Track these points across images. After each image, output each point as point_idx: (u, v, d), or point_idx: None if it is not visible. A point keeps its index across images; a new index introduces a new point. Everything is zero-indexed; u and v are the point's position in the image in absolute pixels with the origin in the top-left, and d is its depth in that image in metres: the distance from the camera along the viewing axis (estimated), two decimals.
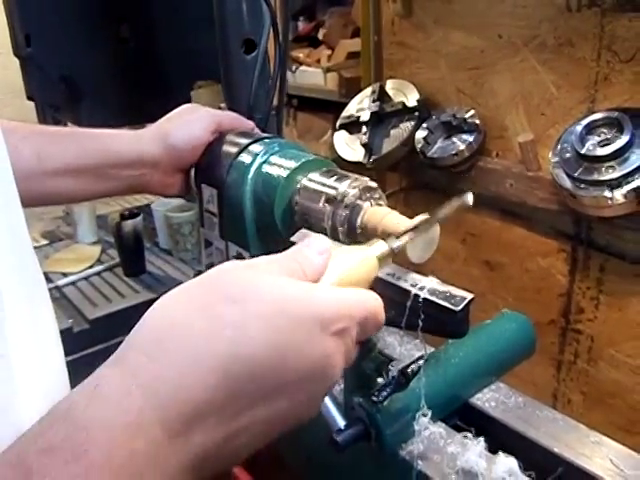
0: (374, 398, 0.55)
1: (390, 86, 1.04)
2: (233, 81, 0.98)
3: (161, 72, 1.31)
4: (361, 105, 1.08)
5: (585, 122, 0.70)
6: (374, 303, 0.35)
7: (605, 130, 0.69)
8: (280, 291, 0.30)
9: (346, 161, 1.05)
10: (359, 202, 0.62)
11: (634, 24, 0.71)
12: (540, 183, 0.84)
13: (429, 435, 0.58)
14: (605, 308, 0.88)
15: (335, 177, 0.65)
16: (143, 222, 1.09)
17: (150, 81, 1.39)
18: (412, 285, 0.51)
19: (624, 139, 0.65)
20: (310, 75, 1.84)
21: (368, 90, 1.08)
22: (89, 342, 0.92)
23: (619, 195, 0.66)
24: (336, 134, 1.09)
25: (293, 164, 0.69)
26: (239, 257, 0.75)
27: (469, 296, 0.49)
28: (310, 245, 0.35)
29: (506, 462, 0.53)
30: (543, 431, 0.59)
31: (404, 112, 0.99)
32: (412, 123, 0.97)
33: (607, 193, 0.67)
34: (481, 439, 0.55)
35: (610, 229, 0.80)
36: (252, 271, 0.31)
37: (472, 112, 0.88)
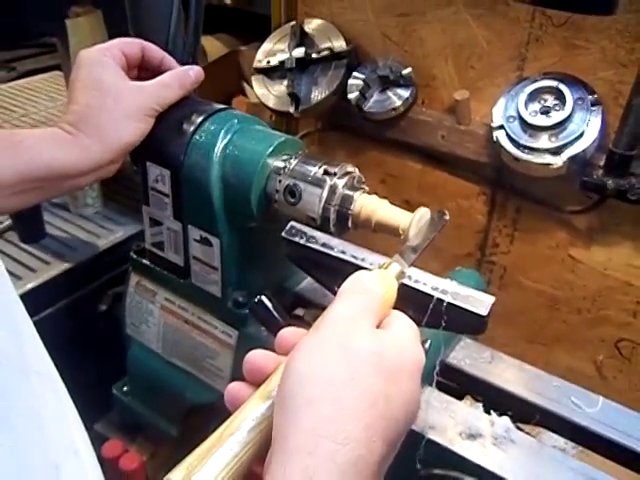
0: None
1: (311, 27, 0.98)
2: (144, 12, 0.87)
3: None
4: (277, 46, 1.02)
5: (529, 90, 0.75)
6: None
7: (546, 97, 0.75)
8: (393, 351, 0.37)
9: (272, 110, 1.00)
10: (349, 192, 0.62)
11: None
12: (472, 137, 0.89)
13: (426, 400, 0.64)
14: (519, 243, 1.00)
15: (318, 165, 0.64)
16: None
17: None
18: (433, 288, 0.55)
19: (567, 111, 0.71)
20: None
21: (283, 30, 1.02)
22: None
23: (560, 161, 0.74)
24: (254, 79, 1.02)
25: (265, 147, 0.65)
26: (204, 241, 0.72)
27: (491, 299, 0.54)
28: (370, 288, 0.40)
29: (503, 422, 0.62)
30: (515, 382, 0.69)
31: (331, 59, 0.95)
32: (341, 71, 0.94)
33: (550, 160, 0.74)
34: (479, 405, 0.63)
35: (530, 178, 0.88)
36: (376, 337, 0.37)
37: (409, 69, 0.88)
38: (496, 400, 0.67)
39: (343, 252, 0.57)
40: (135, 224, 1.07)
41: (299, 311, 0.83)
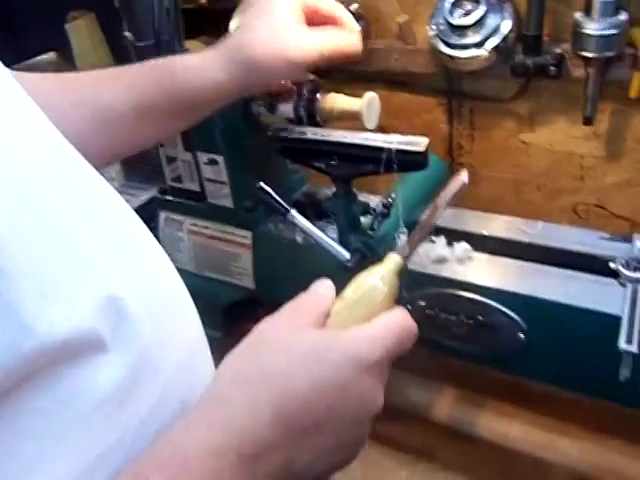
0: (371, 232, 0.77)
1: None
2: (134, 9, 1.05)
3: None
4: None
5: (451, 0, 0.92)
6: (402, 322, 0.38)
7: (466, 3, 0.92)
8: (315, 340, 0.36)
9: None
10: (312, 95, 0.80)
11: None
12: (419, 53, 1.06)
13: None
14: (478, 141, 1.17)
15: None
16: None
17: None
18: (384, 142, 0.72)
19: (482, 10, 0.88)
20: None
21: None
22: None
23: (485, 52, 0.91)
24: None
25: None
26: (211, 162, 0.90)
27: (426, 140, 0.71)
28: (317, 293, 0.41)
29: (462, 246, 0.79)
30: (474, 225, 0.86)
31: None
32: None
33: (477, 52, 0.91)
34: (442, 237, 0.81)
35: (475, 79, 1.05)
36: (288, 328, 0.38)
37: (356, 5, 1.06)
38: (459, 238, 0.84)
39: (315, 134, 0.75)
40: (154, 190, 1.24)
41: None
